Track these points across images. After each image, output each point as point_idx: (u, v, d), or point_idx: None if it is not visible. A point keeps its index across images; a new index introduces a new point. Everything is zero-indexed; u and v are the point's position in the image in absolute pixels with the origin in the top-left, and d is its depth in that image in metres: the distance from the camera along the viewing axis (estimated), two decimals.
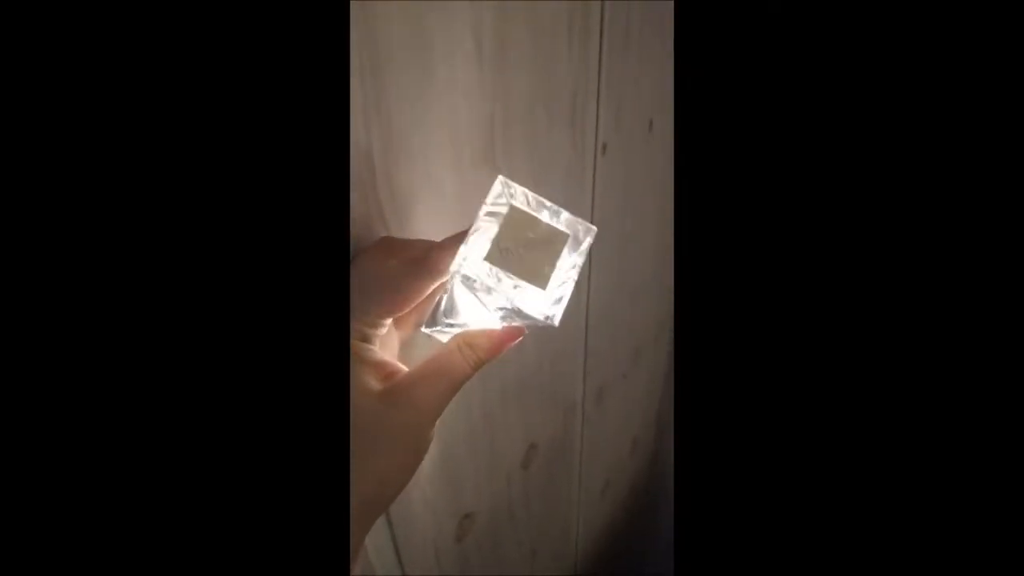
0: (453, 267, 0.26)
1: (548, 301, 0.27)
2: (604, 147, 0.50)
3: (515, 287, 0.26)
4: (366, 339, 0.28)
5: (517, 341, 0.29)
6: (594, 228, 0.28)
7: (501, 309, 0.28)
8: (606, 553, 0.94)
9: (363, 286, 0.28)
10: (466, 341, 0.29)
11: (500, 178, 0.27)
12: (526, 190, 0.27)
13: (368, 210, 0.31)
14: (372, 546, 0.41)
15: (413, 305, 0.28)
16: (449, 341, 0.29)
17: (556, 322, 0.27)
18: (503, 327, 0.29)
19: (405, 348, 0.33)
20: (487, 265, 0.26)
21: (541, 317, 0.27)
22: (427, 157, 0.33)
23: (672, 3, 0.52)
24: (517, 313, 0.27)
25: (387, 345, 0.30)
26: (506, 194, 0.27)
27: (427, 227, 0.35)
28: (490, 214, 0.27)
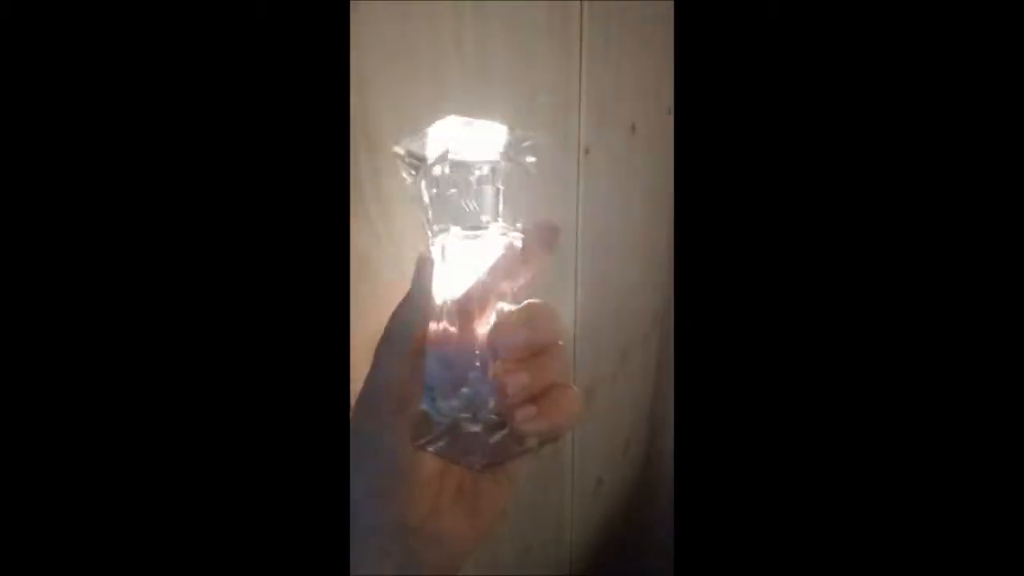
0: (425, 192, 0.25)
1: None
2: (587, 150, 0.51)
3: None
4: None
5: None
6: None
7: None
8: (600, 551, 0.94)
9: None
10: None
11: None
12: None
13: (354, 214, 0.32)
14: None
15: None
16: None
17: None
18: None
19: None
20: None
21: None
22: None
23: (654, 8, 0.52)
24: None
25: None
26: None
27: (414, 230, 0.36)
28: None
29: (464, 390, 0.25)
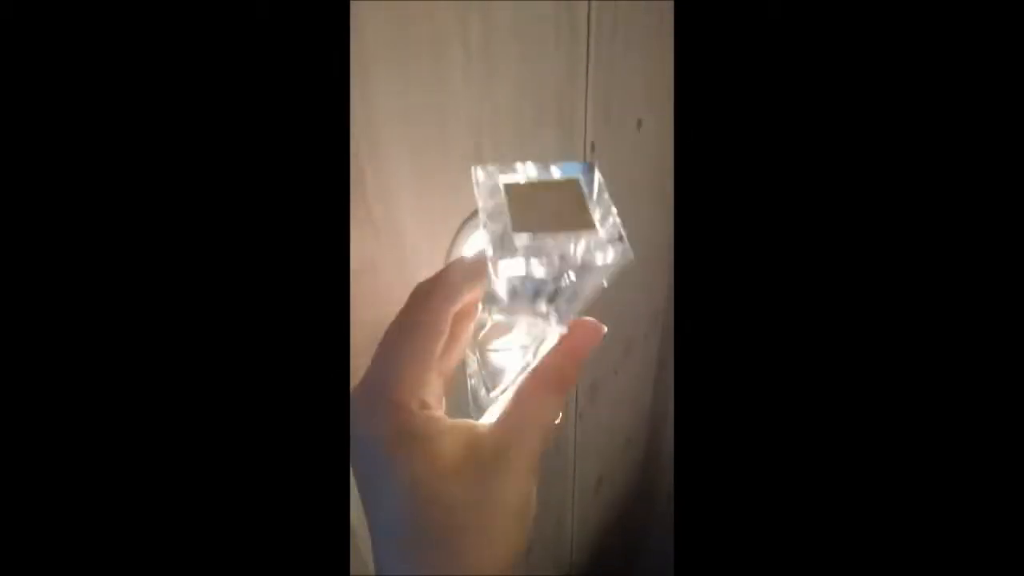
0: (493, 279, 0.22)
1: (609, 239, 0.22)
2: (593, 146, 0.50)
3: (569, 243, 0.22)
4: (426, 406, 0.25)
5: (601, 337, 0.26)
6: (589, 164, 0.24)
7: (553, 298, 0.23)
8: (601, 549, 0.94)
9: (392, 349, 0.25)
10: (550, 368, 0.25)
11: (475, 168, 0.24)
12: (512, 167, 0.24)
13: (356, 213, 0.31)
14: (367, 546, 0.41)
15: (443, 336, 0.25)
16: (530, 374, 0.25)
17: (631, 254, 0.22)
18: (575, 330, 0.25)
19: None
20: (524, 236, 0.22)
21: (618, 257, 0.22)
22: (415, 157, 0.33)
23: (660, 3, 0.52)
24: (581, 270, 0.23)
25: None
26: (492, 177, 0.23)
27: (415, 228, 0.35)
28: (490, 211, 0.23)
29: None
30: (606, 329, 0.26)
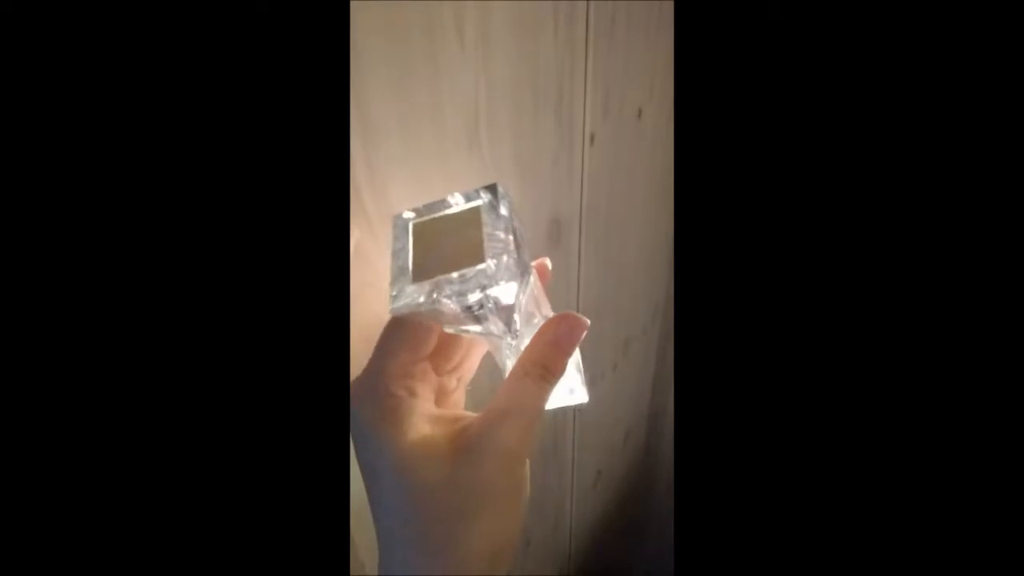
0: (391, 309, 0.24)
1: (501, 272, 0.23)
2: (592, 137, 0.50)
3: (458, 278, 0.23)
4: (415, 394, 0.26)
5: (584, 333, 0.27)
6: (493, 183, 0.25)
7: (471, 308, 0.24)
8: (599, 544, 0.94)
9: (384, 342, 0.26)
10: (533, 361, 0.26)
11: (393, 216, 0.26)
12: (418, 207, 0.26)
13: (351, 204, 0.31)
14: (367, 541, 0.41)
15: (433, 330, 0.26)
16: (515, 367, 0.26)
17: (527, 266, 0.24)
18: (559, 323, 0.26)
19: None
20: (417, 286, 0.24)
21: (497, 294, 0.23)
22: (409, 147, 0.33)
23: None
24: (486, 307, 0.24)
25: (454, 404, 0.28)
26: (402, 224, 0.26)
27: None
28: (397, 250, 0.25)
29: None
30: (589, 322, 0.26)
